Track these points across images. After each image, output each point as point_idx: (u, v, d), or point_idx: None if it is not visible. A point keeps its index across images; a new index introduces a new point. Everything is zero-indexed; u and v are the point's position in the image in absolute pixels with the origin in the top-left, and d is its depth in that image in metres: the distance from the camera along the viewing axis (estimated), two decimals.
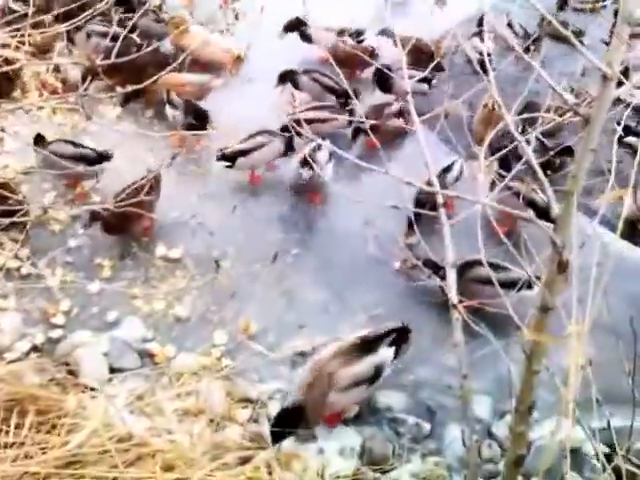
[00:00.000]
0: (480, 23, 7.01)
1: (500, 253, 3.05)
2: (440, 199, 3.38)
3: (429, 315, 4.56)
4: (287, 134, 5.48)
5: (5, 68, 3.06)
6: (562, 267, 2.60)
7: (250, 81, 6.70)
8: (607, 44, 7.07)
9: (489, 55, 2.91)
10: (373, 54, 6.80)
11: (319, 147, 5.38)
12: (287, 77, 6.37)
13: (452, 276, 3.29)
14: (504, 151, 3.32)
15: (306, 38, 7.11)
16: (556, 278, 2.64)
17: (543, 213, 4.95)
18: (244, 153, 5.45)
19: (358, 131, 5.77)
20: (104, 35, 6.25)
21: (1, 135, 5.11)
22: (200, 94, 6.22)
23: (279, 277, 4.81)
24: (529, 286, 4.15)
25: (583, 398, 2.60)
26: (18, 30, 3.06)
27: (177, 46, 6.50)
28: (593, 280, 2.50)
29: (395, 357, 3.94)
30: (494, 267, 4.26)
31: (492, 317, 3.30)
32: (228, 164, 5.47)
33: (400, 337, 4.00)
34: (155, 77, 3.34)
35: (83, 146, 5.23)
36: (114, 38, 4.68)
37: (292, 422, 3.54)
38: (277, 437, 3.53)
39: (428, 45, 6.80)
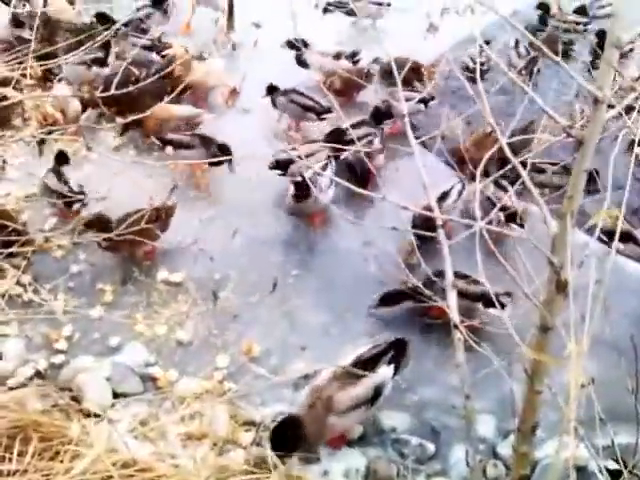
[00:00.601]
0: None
1: (498, 273, 3.05)
2: (439, 221, 3.42)
3: (431, 335, 4.56)
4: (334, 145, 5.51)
5: (5, 102, 3.10)
6: (561, 287, 2.62)
7: (246, 112, 6.77)
8: (592, 67, 7.19)
9: (482, 69, 2.95)
10: (369, 75, 6.86)
11: (323, 169, 5.44)
12: (272, 93, 6.47)
13: (453, 296, 3.32)
14: (500, 172, 3.36)
15: (302, 63, 7.19)
16: (555, 298, 2.66)
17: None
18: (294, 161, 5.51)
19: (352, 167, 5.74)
20: (102, 64, 6.41)
21: (2, 164, 5.19)
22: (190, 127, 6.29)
23: (281, 299, 4.83)
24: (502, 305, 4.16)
25: (587, 416, 2.61)
26: (20, 63, 3.12)
27: (180, 80, 6.56)
28: (592, 297, 2.52)
29: (395, 373, 3.93)
30: (469, 281, 4.43)
31: (494, 337, 3.33)
32: (281, 172, 5.55)
33: (398, 352, 3.99)
34: (147, 110, 3.37)
35: (65, 182, 5.25)
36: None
37: (288, 437, 3.54)
38: (278, 446, 3.53)
39: (418, 63, 6.83)
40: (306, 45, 7.16)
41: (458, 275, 4.33)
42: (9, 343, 4.25)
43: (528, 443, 2.90)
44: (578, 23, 8.17)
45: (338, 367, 3.85)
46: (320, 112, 6.39)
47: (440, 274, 4.16)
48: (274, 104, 6.47)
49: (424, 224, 4.22)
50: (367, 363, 3.91)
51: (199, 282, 4.94)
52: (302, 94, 6.46)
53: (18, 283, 4.73)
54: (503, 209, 4.78)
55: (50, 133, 2.83)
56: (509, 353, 3.04)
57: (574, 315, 2.40)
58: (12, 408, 2.91)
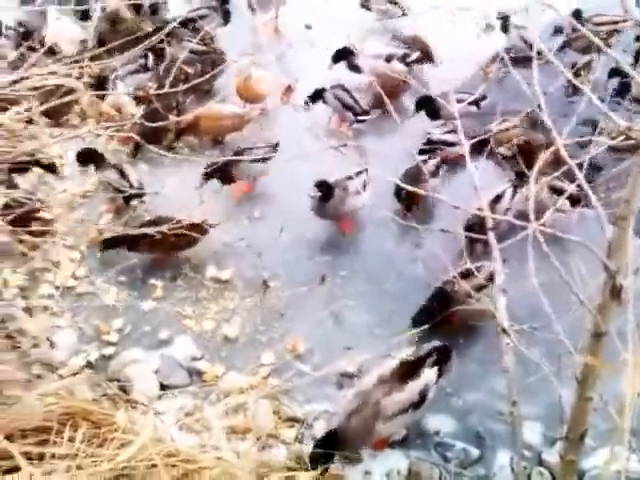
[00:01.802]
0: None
1: (552, 277, 2.99)
2: (490, 223, 3.36)
3: (478, 339, 4.49)
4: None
5: (66, 98, 3.20)
6: (615, 292, 2.54)
7: (298, 109, 6.81)
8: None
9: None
10: (405, 83, 6.77)
11: (355, 176, 5.40)
12: (318, 95, 6.52)
13: (502, 300, 3.26)
14: (556, 174, 3.28)
15: (354, 68, 7.18)
16: (609, 303, 2.59)
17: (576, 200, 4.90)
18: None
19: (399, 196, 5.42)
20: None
21: (61, 161, 5.35)
22: (238, 126, 6.37)
23: (327, 299, 4.84)
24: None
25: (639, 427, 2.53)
26: (77, 62, 3.22)
27: (242, 97, 6.65)
28: None
29: (438, 378, 3.89)
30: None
31: (544, 342, 3.24)
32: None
33: (442, 357, 3.95)
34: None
35: (127, 178, 5.38)
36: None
37: (333, 447, 3.53)
38: (315, 461, 3.52)
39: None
40: (352, 53, 7.17)
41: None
42: (62, 334, 4.38)
43: (576, 451, 2.83)
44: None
45: (383, 369, 3.83)
46: (358, 113, 6.40)
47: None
48: (323, 100, 6.52)
49: (478, 226, 4.14)
50: (411, 367, 3.88)
51: (246, 280, 5.00)
52: (347, 92, 6.49)
53: (72, 276, 4.89)
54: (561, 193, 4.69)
55: (107, 129, 2.92)
56: (559, 359, 2.95)
57: (631, 323, 2.33)
58: (63, 396, 3.00)
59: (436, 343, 4.03)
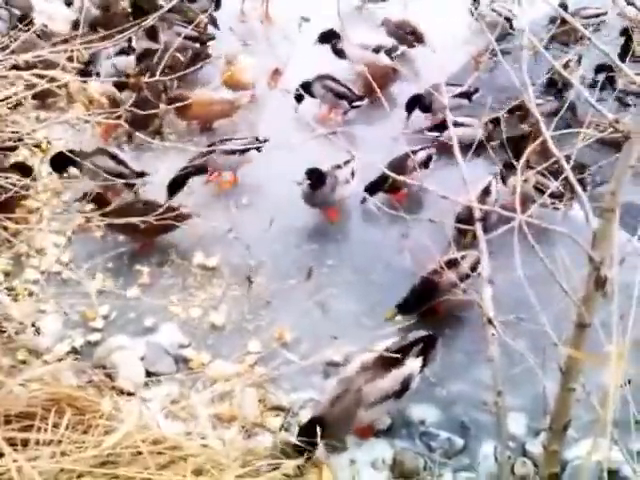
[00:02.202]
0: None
1: (538, 268, 3.01)
2: (477, 215, 3.38)
3: (464, 330, 4.52)
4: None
5: (53, 84, 3.17)
6: (600, 284, 2.56)
7: (287, 93, 6.78)
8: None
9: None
10: (395, 72, 6.84)
11: (343, 165, 5.41)
12: (305, 89, 6.49)
13: (487, 291, 3.28)
14: (543, 166, 3.30)
15: (338, 53, 7.17)
16: (593, 295, 2.61)
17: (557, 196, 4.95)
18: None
19: (375, 188, 5.43)
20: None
21: (47, 145, 5.28)
22: (228, 112, 6.33)
23: (314, 288, 4.84)
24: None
25: (622, 418, 2.56)
26: (67, 42, 3.18)
27: (227, 84, 6.61)
28: (636, 298, 2.46)
29: (423, 367, 3.91)
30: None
31: (528, 333, 3.27)
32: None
33: (427, 346, 3.96)
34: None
35: (124, 164, 5.34)
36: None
37: (315, 434, 3.53)
38: (300, 448, 3.53)
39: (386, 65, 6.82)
40: (338, 37, 7.14)
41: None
42: (47, 320, 4.35)
43: (559, 441, 2.86)
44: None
45: (367, 357, 3.84)
46: (352, 100, 6.41)
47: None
48: (311, 94, 6.47)
49: (468, 219, 4.17)
50: (395, 358, 3.89)
51: (234, 267, 4.99)
52: (337, 81, 6.49)
53: (58, 262, 4.86)
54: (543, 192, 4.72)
55: (95, 115, 2.89)
56: (544, 350, 2.98)
57: (615, 315, 2.35)
58: (48, 381, 2.99)
59: (422, 332, 4.04)
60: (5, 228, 3.10)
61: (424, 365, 3.92)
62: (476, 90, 6.46)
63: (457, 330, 4.54)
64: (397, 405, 3.89)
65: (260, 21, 7.99)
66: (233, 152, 5.56)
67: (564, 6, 7.38)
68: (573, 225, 4.95)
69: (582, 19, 7.55)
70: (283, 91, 6.28)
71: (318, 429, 3.48)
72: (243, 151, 5.61)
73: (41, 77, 3.30)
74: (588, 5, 7.99)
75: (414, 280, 4.66)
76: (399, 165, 5.32)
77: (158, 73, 3.23)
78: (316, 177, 5.22)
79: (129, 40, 6.46)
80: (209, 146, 5.49)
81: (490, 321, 3.18)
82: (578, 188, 2.70)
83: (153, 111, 4.57)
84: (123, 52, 6.53)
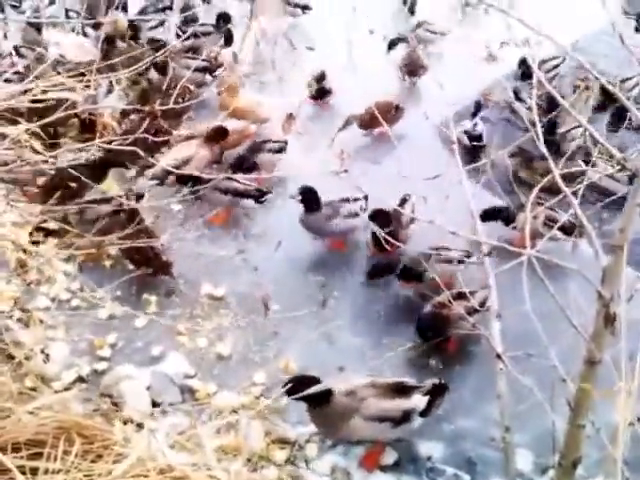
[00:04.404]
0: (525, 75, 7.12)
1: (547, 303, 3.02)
2: (485, 249, 3.41)
3: (472, 365, 4.51)
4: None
5: (66, 112, 3.24)
6: (609, 320, 2.58)
7: (300, 135, 6.88)
8: None
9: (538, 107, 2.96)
10: (398, 109, 6.92)
11: (352, 200, 5.43)
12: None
13: (496, 325, 3.29)
14: (552, 201, 3.33)
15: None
16: (603, 331, 2.62)
17: (567, 230, 4.98)
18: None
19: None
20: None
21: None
22: (237, 142, 6.42)
23: (320, 319, 4.85)
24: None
25: (632, 457, 2.54)
26: (84, 75, 3.27)
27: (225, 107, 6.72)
28: None
29: (427, 409, 3.90)
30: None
31: (536, 368, 3.27)
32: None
33: (436, 391, 3.97)
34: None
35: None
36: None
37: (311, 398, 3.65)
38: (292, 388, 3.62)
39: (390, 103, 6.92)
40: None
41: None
42: (55, 347, 4.36)
43: (568, 479, 2.83)
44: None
45: (379, 379, 3.90)
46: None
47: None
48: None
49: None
50: (404, 387, 3.91)
51: (241, 297, 5.01)
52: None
53: (67, 289, 4.89)
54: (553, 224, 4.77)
55: (110, 143, 2.95)
56: (553, 386, 2.97)
57: (624, 351, 2.36)
58: (57, 409, 2.98)
59: (435, 380, 4.03)
60: (25, 251, 3.13)
61: (429, 409, 3.91)
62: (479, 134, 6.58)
63: (465, 365, 4.53)
64: (389, 434, 3.86)
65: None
66: (227, 193, 5.61)
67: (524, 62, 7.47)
68: (581, 259, 4.98)
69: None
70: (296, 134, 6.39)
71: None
72: (241, 195, 5.66)
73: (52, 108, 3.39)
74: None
75: (420, 313, 4.69)
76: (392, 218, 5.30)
77: (171, 102, 3.28)
78: (309, 197, 5.27)
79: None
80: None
81: (499, 356, 3.19)
82: (587, 225, 2.72)
83: (165, 138, 4.64)
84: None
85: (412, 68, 7.79)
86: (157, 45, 6.93)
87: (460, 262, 4.97)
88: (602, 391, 2.56)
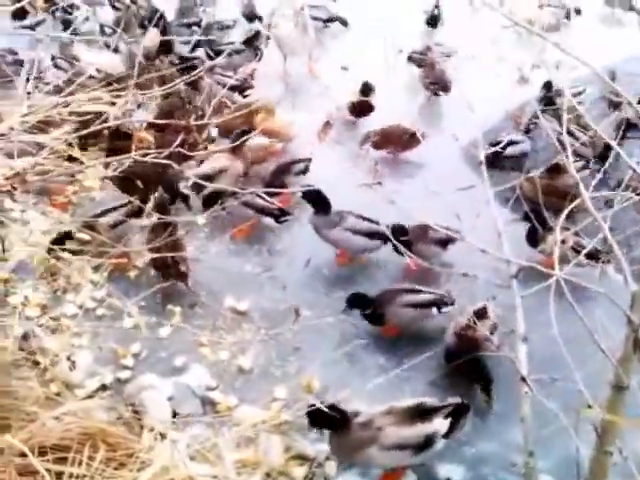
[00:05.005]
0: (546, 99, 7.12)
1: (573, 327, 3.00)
2: (513, 270, 3.38)
3: (495, 387, 4.45)
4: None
5: (104, 125, 3.32)
6: (638, 345, 2.55)
7: (336, 145, 6.94)
8: None
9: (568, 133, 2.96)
10: (414, 136, 6.81)
11: (369, 220, 5.43)
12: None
13: (522, 348, 3.26)
14: (582, 225, 3.32)
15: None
16: (631, 356, 2.59)
17: (593, 256, 4.92)
18: None
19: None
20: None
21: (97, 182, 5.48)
22: (263, 158, 6.48)
23: (343, 337, 4.85)
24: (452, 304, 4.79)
25: None
26: (123, 90, 3.35)
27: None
28: None
29: (450, 432, 3.85)
30: (415, 292, 4.81)
31: (562, 393, 3.23)
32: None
33: (458, 412, 3.92)
34: None
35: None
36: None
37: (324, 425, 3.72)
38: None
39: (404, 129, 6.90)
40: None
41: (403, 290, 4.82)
42: (81, 354, 4.41)
43: None
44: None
45: (397, 404, 3.85)
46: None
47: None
48: None
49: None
50: (425, 410, 3.87)
51: (264, 312, 5.03)
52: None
53: (93, 298, 4.95)
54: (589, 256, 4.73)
55: (146, 156, 3.02)
56: (578, 412, 2.94)
57: None
58: (81, 416, 3.02)
59: (456, 400, 3.98)
60: (58, 258, 3.19)
61: (451, 431, 3.86)
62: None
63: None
64: (412, 460, 3.83)
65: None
66: (249, 208, 5.67)
67: (549, 86, 7.47)
68: (608, 285, 4.92)
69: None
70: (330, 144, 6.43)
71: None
72: (262, 212, 5.70)
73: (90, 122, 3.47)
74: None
75: (443, 334, 4.67)
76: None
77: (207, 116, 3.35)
78: (315, 198, 5.33)
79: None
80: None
81: (524, 379, 3.15)
82: (617, 250, 2.71)
83: (202, 153, 4.71)
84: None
85: (436, 84, 7.80)
86: (190, 63, 7.05)
87: (427, 307, 4.82)
88: (630, 418, 2.52)
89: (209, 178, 5.64)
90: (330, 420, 3.72)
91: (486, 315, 4.52)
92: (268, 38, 8.49)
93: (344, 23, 9.80)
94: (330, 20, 9.86)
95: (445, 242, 5.35)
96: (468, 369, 4.33)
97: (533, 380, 3.18)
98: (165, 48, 7.77)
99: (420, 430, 3.76)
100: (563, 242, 4.52)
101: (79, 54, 7.56)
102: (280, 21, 8.40)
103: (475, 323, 3.97)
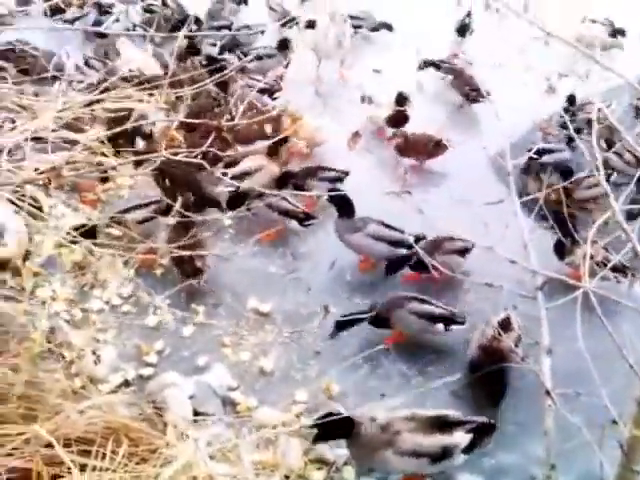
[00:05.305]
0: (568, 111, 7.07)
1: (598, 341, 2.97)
2: (538, 281, 3.36)
3: (517, 399, 4.42)
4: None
5: (138, 122, 3.37)
6: None
7: (366, 153, 6.96)
8: None
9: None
10: (439, 145, 6.81)
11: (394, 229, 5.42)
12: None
13: (547, 361, 3.23)
14: (611, 238, 3.28)
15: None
16: None
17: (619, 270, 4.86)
18: None
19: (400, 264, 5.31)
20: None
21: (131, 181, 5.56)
22: (286, 160, 6.51)
23: (365, 342, 4.84)
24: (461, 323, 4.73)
25: None
26: (156, 88, 3.40)
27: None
28: None
29: (470, 447, 3.82)
30: (425, 302, 4.76)
31: (587, 408, 3.19)
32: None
33: (483, 430, 3.89)
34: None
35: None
36: None
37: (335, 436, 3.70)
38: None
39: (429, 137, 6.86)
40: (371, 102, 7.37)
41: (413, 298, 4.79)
42: (106, 349, 4.46)
43: None
44: None
45: (419, 411, 3.84)
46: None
47: None
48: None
49: None
50: (447, 422, 3.84)
51: (286, 314, 5.05)
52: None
53: (119, 295, 5.01)
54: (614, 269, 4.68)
55: (176, 154, 3.06)
56: (603, 428, 2.90)
57: None
58: (105, 410, 3.06)
59: (483, 419, 3.94)
60: (91, 252, 3.24)
61: (472, 447, 3.83)
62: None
63: (510, 399, 4.44)
64: (427, 469, 3.81)
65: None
66: (274, 210, 5.69)
67: (572, 99, 7.39)
68: (635, 298, 4.88)
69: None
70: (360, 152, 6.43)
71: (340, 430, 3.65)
72: (287, 215, 5.72)
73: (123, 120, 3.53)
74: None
75: (466, 343, 4.64)
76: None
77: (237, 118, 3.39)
78: (340, 202, 5.35)
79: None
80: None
81: (548, 392, 3.12)
82: None
83: (233, 154, 4.76)
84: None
85: (475, 91, 7.76)
86: (219, 64, 7.10)
87: (434, 320, 4.76)
88: None
89: (244, 177, 5.69)
90: (337, 431, 3.72)
91: (510, 326, 4.49)
92: (298, 43, 8.52)
93: (390, 28, 9.69)
94: (376, 29, 9.75)
95: (462, 251, 5.34)
96: (491, 381, 4.29)
97: (557, 394, 3.16)
98: (193, 50, 7.84)
99: (438, 440, 3.74)
100: (592, 257, 4.48)
101: (122, 49, 7.63)
102: (317, 25, 8.41)
103: (500, 335, 3.94)
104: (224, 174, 5.26)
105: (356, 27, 9.48)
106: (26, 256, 4.78)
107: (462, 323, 4.76)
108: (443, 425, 3.79)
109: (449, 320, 4.76)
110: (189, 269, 5.00)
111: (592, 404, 2.98)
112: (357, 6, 9.88)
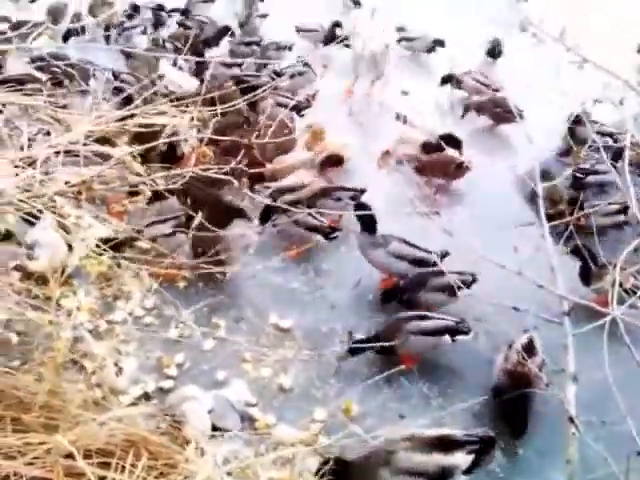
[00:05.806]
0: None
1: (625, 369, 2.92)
2: (566, 307, 3.32)
3: (539, 426, 4.35)
4: None
5: (171, 139, 3.42)
6: None
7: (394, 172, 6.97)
8: None
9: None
10: (461, 167, 6.77)
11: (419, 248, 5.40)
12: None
13: (571, 388, 3.18)
14: (637, 266, 3.24)
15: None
16: None
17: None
18: None
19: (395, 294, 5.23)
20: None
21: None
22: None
23: (385, 362, 4.80)
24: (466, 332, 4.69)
25: None
26: (187, 106, 3.45)
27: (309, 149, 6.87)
28: None
29: (471, 468, 3.73)
30: (426, 318, 4.71)
31: (611, 437, 3.14)
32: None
33: (484, 447, 3.80)
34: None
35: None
36: None
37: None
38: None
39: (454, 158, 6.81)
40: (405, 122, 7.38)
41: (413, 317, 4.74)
42: (127, 361, 4.48)
43: None
44: None
45: (421, 431, 3.77)
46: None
47: None
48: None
49: None
50: (446, 442, 3.76)
51: (307, 332, 5.04)
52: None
53: (142, 307, 5.04)
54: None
55: (206, 170, 3.09)
56: (629, 459, 2.84)
57: None
58: (126, 422, 3.07)
59: (482, 432, 3.88)
60: (119, 265, 3.28)
61: (473, 467, 3.74)
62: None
63: (532, 425, 4.37)
64: None
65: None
66: (300, 226, 5.68)
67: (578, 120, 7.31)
68: None
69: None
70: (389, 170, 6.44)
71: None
72: (313, 230, 5.70)
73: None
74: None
75: (488, 366, 4.59)
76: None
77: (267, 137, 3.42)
78: (367, 216, 5.32)
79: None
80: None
81: (572, 420, 3.07)
82: None
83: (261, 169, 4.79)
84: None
85: (507, 112, 7.69)
86: (252, 83, 7.17)
87: (438, 334, 4.70)
88: None
89: (287, 192, 5.71)
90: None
91: (534, 350, 4.43)
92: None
93: (442, 44, 9.68)
94: (431, 50, 9.76)
95: (453, 289, 4.83)
96: (516, 407, 4.22)
97: (581, 421, 3.11)
98: (226, 66, 7.94)
99: (437, 460, 3.66)
100: (621, 285, 4.42)
101: (165, 72, 7.72)
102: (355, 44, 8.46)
103: (525, 359, 3.88)
104: (266, 187, 5.29)
105: (410, 49, 9.77)
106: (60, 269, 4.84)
107: (467, 333, 4.71)
108: (443, 445, 3.72)
109: (454, 331, 4.70)
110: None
111: (617, 434, 2.94)
112: (399, 20, 10.02)
